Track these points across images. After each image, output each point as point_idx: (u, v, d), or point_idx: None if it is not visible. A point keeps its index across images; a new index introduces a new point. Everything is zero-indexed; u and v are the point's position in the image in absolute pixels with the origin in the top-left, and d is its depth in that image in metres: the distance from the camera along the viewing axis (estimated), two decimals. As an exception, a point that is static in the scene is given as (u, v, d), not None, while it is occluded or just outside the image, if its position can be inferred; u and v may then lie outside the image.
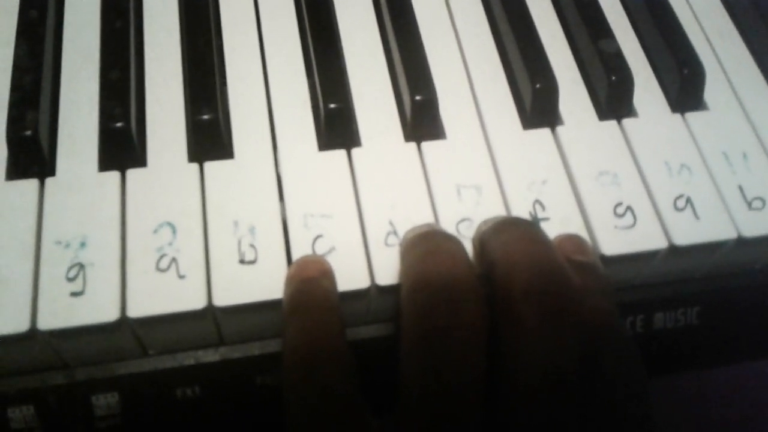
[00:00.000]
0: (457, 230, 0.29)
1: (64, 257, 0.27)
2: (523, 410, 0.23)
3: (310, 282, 0.26)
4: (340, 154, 0.30)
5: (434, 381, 0.23)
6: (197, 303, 0.26)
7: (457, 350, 0.23)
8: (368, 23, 0.35)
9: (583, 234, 0.29)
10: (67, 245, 0.27)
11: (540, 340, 0.23)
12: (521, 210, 0.30)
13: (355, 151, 0.30)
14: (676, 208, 0.30)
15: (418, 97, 0.31)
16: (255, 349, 0.28)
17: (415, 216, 0.29)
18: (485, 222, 0.28)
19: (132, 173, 0.29)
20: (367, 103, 0.32)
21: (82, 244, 0.27)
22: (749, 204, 0.30)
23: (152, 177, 0.29)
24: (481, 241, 0.27)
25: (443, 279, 0.24)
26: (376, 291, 0.28)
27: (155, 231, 0.27)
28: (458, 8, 0.36)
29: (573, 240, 0.28)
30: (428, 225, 0.28)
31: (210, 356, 0.28)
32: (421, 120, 0.31)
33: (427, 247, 0.26)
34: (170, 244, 0.27)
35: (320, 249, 0.28)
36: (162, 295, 0.26)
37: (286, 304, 0.26)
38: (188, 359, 0.27)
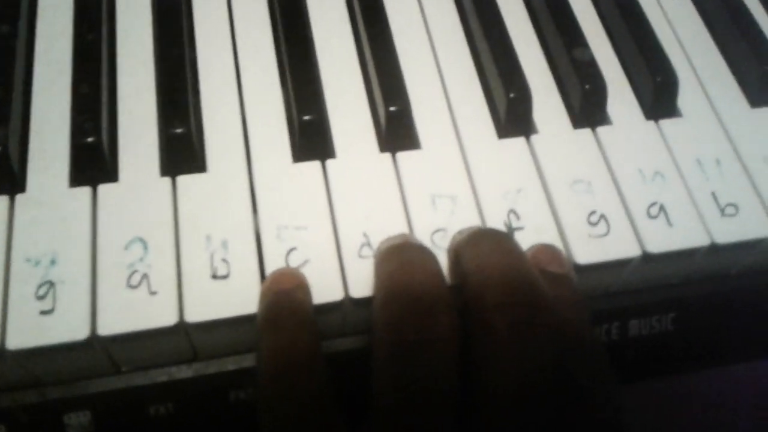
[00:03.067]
0: (432, 241, 0.29)
1: (34, 275, 0.26)
2: (496, 420, 0.23)
3: (285, 294, 0.26)
4: (315, 165, 0.30)
5: (406, 394, 0.23)
6: (169, 319, 0.26)
7: (428, 363, 0.23)
8: (343, 33, 0.35)
9: (557, 243, 0.29)
10: (37, 263, 0.27)
11: (511, 349, 0.23)
12: (496, 219, 0.30)
13: (329, 162, 0.30)
14: (650, 216, 0.30)
15: (392, 108, 0.31)
16: (229, 364, 0.28)
17: (389, 227, 0.29)
18: (460, 232, 0.28)
19: (103, 188, 0.29)
20: (342, 114, 0.32)
21: (53, 262, 0.27)
22: (722, 210, 0.30)
23: (124, 192, 0.29)
24: (456, 252, 0.28)
25: (414, 292, 0.24)
26: (350, 303, 0.27)
27: (126, 247, 0.27)
28: (433, 18, 0.36)
29: (548, 251, 0.28)
30: (402, 236, 0.28)
31: (183, 372, 0.27)
32: (396, 130, 0.31)
33: (399, 260, 0.26)
34: (141, 260, 0.27)
35: (294, 261, 0.28)
36: (133, 312, 0.26)
37: (260, 318, 0.26)
38: (161, 376, 0.27)
